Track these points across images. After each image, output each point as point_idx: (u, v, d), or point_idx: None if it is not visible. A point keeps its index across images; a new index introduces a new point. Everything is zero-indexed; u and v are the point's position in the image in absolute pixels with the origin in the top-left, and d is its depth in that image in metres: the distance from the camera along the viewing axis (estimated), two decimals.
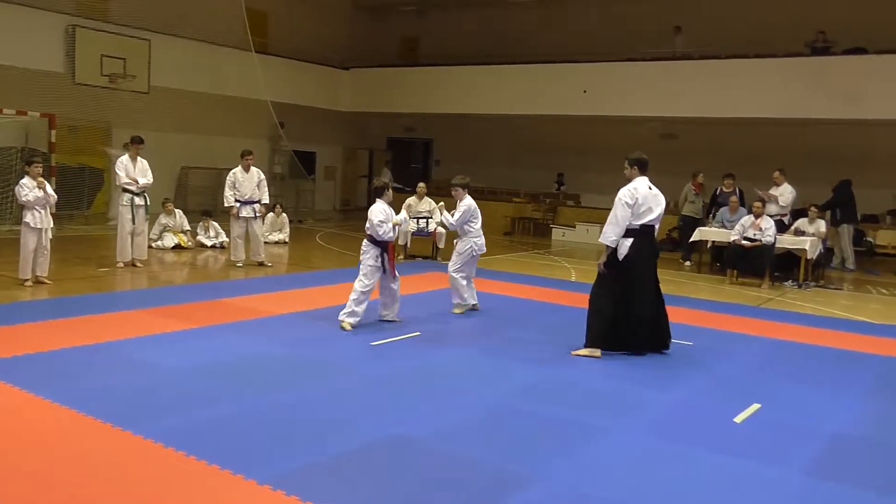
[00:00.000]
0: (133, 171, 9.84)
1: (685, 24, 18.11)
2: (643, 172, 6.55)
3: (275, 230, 13.61)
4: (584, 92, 17.63)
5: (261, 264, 10.74)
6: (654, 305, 6.58)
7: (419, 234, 12.44)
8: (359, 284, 7.09)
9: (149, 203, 10.06)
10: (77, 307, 7.28)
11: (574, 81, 17.86)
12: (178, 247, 12.08)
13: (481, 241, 8.27)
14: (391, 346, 6.42)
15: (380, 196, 7.40)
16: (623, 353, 6.48)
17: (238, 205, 10.56)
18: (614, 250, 6.43)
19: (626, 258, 6.41)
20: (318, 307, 7.94)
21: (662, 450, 4.34)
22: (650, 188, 6.51)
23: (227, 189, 10.64)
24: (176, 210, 12.54)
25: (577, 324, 7.84)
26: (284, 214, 14.04)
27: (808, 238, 11.77)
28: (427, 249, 12.63)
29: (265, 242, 11.35)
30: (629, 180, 6.52)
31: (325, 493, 3.53)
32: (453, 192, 8.54)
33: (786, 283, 11.72)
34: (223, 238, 12.45)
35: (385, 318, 7.40)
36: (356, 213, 22.68)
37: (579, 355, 6.42)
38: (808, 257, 11.63)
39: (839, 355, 7.08)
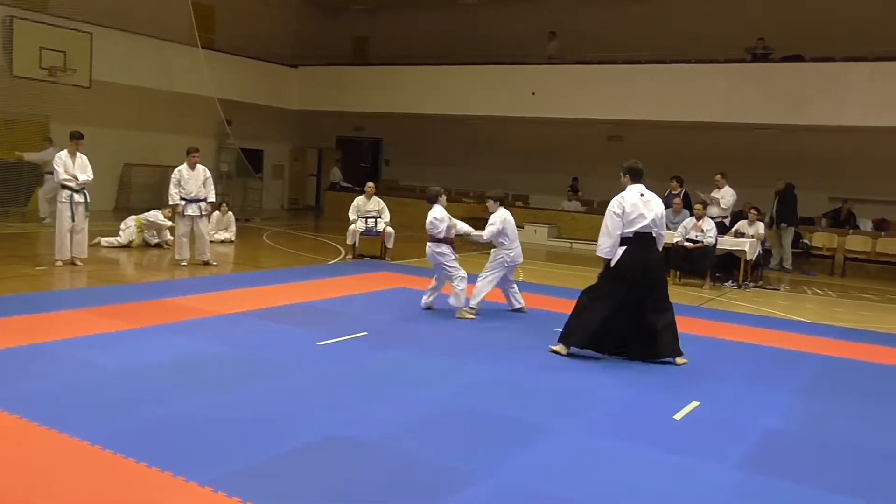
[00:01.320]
0: (72, 167, 9.61)
1: (630, 30, 18.46)
2: (636, 180, 6.59)
3: (220, 229, 13.42)
4: (533, 94, 17.82)
5: (206, 263, 10.59)
6: (649, 315, 6.44)
7: (368, 233, 12.41)
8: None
9: (89, 200, 9.83)
10: (14, 306, 7.08)
11: (523, 83, 18.04)
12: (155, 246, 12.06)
13: (514, 252, 8.37)
14: (338, 346, 6.40)
15: (434, 202, 8.23)
16: (592, 352, 6.54)
17: (183, 202, 10.41)
18: (610, 261, 6.46)
19: (618, 265, 6.41)
20: (264, 307, 7.86)
21: (605, 447, 4.43)
22: (642, 195, 6.50)
23: (171, 187, 10.47)
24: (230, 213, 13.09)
25: (523, 323, 7.99)
26: (231, 213, 13.86)
27: (748, 240, 12.10)
28: (376, 249, 12.61)
29: (211, 241, 11.19)
30: (624, 188, 6.58)
31: (267, 494, 3.52)
32: (487, 204, 8.63)
33: (726, 284, 12.04)
34: (168, 237, 12.25)
35: (429, 306, 8.26)
36: (304, 212, 22.54)
37: (552, 350, 6.61)
38: (748, 258, 11.97)
39: (775, 354, 7.30)
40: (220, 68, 18.41)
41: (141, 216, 12.15)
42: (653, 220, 6.44)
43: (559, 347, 6.58)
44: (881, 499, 3.94)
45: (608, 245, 6.45)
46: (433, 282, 8.39)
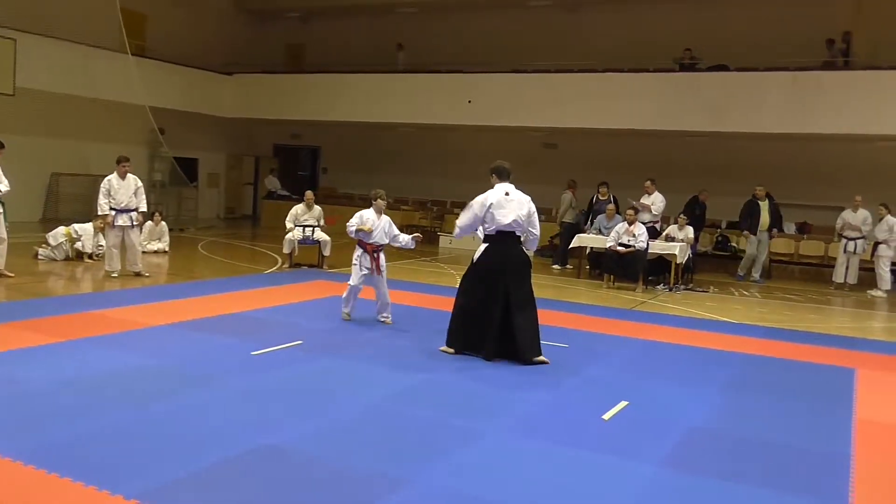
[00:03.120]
0: None
1: (563, 40, 18.82)
2: (502, 179, 6.76)
3: (153, 239, 13.16)
4: (469, 102, 17.99)
5: (138, 274, 10.38)
6: (508, 314, 6.50)
7: (305, 242, 12.34)
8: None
9: (4, 211, 9.56)
10: None
11: (459, 91, 18.19)
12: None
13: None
14: (272, 356, 6.37)
15: (370, 205, 8.10)
16: (472, 356, 6.63)
17: (113, 213, 10.20)
18: (472, 258, 6.74)
19: (478, 262, 6.67)
20: (197, 317, 7.76)
21: (534, 448, 4.52)
22: (507, 194, 6.65)
23: (101, 196, 10.23)
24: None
25: None
26: (164, 223, 13.60)
27: (678, 244, 12.46)
28: (313, 258, 12.54)
29: (143, 252, 10.97)
30: (492, 187, 6.78)
31: None
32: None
33: (658, 287, 12.37)
34: (103, 246, 11.96)
35: (379, 319, 8.02)
36: (241, 222, 22.24)
37: (442, 350, 6.80)
38: (678, 262, 12.33)
39: (703, 354, 7.55)
40: (151, 76, 18.07)
41: (70, 227, 11.83)
42: (515, 220, 6.57)
43: (446, 348, 6.80)
44: (793, 491, 4.11)
45: (456, 234, 6.97)
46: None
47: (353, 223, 7.95)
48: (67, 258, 11.55)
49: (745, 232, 14.10)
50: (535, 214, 6.83)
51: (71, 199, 17.46)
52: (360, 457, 4.23)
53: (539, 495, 3.85)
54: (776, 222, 14.05)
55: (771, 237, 14.10)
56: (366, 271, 7.91)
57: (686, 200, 14.65)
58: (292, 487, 3.79)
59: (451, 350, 6.74)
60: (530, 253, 6.98)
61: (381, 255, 8.02)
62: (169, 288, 9.97)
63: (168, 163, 19.38)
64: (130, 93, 17.25)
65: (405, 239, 8.17)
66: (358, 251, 7.99)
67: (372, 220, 7.96)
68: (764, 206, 13.85)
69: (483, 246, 6.66)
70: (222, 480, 3.83)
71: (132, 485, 3.63)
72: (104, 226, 10.78)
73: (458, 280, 12.18)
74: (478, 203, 6.67)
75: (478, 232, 7.11)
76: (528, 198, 6.82)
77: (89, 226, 11.85)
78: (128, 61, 17.20)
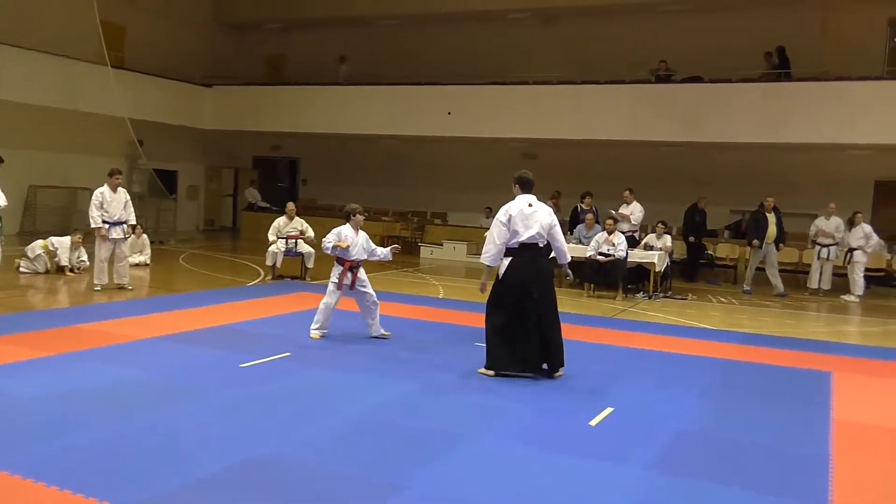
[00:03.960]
0: None
1: (542, 53, 19.04)
2: (525, 190, 6.61)
3: (135, 252, 13.11)
4: (449, 114, 18.14)
5: (121, 288, 10.38)
6: (538, 325, 6.39)
7: (288, 254, 12.38)
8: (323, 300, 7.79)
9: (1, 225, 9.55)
10: None
11: (439, 103, 18.35)
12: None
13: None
14: (261, 368, 6.42)
15: (348, 219, 7.90)
16: (516, 375, 6.42)
17: (106, 226, 10.21)
18: (497, 274, 6.48)
19: (505, 279, 6.44)
20: (184, 330, 7.78)
21: (525, 454, 4.62)
22: (530, 205, 6.50)
23: (94, 209, 10.24)
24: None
25: (444, 339, 8.16)
26: (145, 235, 13.58)
27: (657, 252, 12.66)
28: (296, 269, 12.58)
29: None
30: (514, 198, 6.61)
31: None
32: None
33: (637, 295, 12.55)
34: (84, 260, 11.96)
35: (374, 335, 7.89)
36: (221, 234, 22.19)
37: (480, 373, 6.54)
38: (657, 270, 12.52)
39: (683, 360, 7.70)
40: (130, 88, 18.04)
41: (48, 240, 11.78)
42: (538, 232, 6.45)
43: (485, 371, 6.55)
44: (776, 491, 4.25)
45: (493, 252, 6.49)
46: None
47: (330, 240, 7.76)
48: (47, 271, 11.50)
49: (755, 242, 13.53)
50: (558, 226, 6.68)
51: (49, 211, 17.35)
52: (355, 464, 4.31)
53: (532, 500, 3.95)
54: (782, 235, 13.64)
55: (778, 250, 13.66)
56: (343, 290, 7.74)
57: (664, 209, 14.89)
58: (288, 496, 3.86)
59: (491, 372, 6.49)
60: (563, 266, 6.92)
61: (361, 271, 7.86)
62: (153, 301, 9.97)
63: (147, 175, 19.32)
64: (109, 104, 17.20)
65: (383, 252, 8.07)
66: (337, 269, 7.79)
67: (350, 237, 7.78)
68: (772, 217, 13.51)
69: (507, 260, 6.45)
70: (217, 490, 3.89)
71: (126, 495, 3.69)
72: (81, 240, 10.75)
73: (440, 290, 12.33)
74: (501, 214, 6.48)
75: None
76: (550, 209, 6.70)
77: (66, 239, 11.82)
78: (107, 73, 17.15)
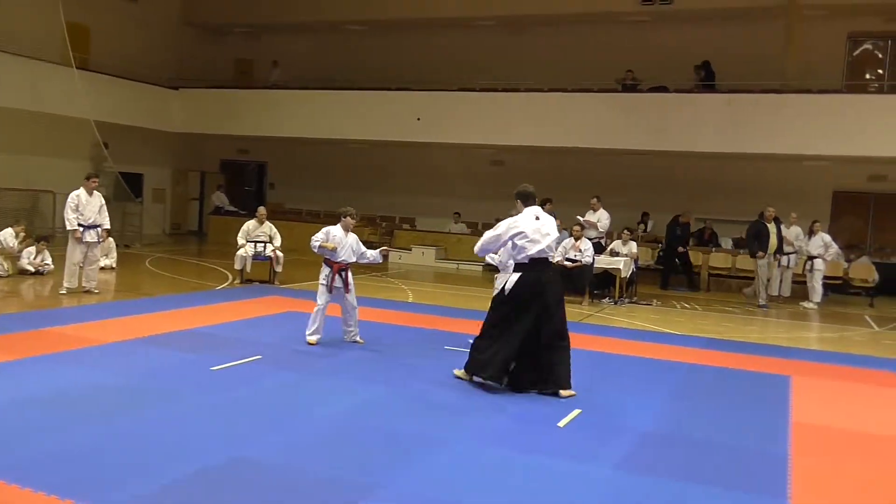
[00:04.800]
0: None
1: (510, 60, 19.23)
2: (528, 203, 6.42)
3: (101, 255, 12.92)
4: (418, 119, 18.23)
5: (87, 291, 10.30)
6: (537, 345, 6.19)
7: (257, 258, 12.35)
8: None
9: None
10: None
11: (408, 108, 18.43)
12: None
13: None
14: (232, 371, 6.43)
15: (339, 221, 7.88)
16: (496, 385, 6.29)
17: (81, 229, 10.17)
18: (503, 287, 6.32)
19: (511, 293, 6.22)
20: (154, 333, 7.75)
21: (496, 455, 4.72)
22: (537, 218, 6.31)
23: (69, 212, 10.22)
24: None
25: (413, 342, 8.23)
26: (111, 238, 13.41)
27: (622, 258, 12.88)
28: (264, 273, 12.56)
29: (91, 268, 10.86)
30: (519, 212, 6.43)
31: None
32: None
33: (603, 301, 12.75)
34: (48, 264, 11.82)
35: (347, 339, 7.82)
36: (188, 237, 22.00)
37: (456, 375, 6.53)
38: (623, 276, 12.74)
39: (648, 363, 7.88)
40: (96, 89, 17.79)
41: None
42: (549, 245, 6.30)
43: (461, 372, 6.52)
44: (738, 489, 4.40)
45: (479, 246, 6.57)
46: None
47: (318, 238, 7.72)
48: (9, 274, 11.35)
49: (759, 254, 13.08)
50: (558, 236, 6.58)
51: (11, 214, 17.01)
52: (328, 466, 4.37)
53: (502, 500, 4.05)
54: (781, 247, 13.44)
55: (779, 263, 13.58)
56: (334, 291, 7.70)
57: (630, 216, 15.14)
58: (264, 498, 3.91)
59: (468, 377, 6.42)
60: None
61: (349, 274, 7.83)
62: (121, 304, 9.88)
63: (112, 178, 19.05)
64: (74, 106, 16.96)
65: (373, 254, 8.01)
66: (325, 270, 7.74)
67: (339, 238, 7.73)
68: (772, 228, 13.20)
69: (516, 275, 6.24)
70: (195, 492, 3.92)
71: (104, 497, 3.71)
72: (23, 229, 10.66)
73: (410, 295, 12.38)
74: (504, 225, 6.36)
75: (490, 257, 7.10)
76: (553, 220, 6.58)
77: (7, 230, 11.68)
78: (72, 74, 16.93)
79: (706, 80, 17.22)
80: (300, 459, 4.45)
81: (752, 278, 15.54)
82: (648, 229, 17.98)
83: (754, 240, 13.27)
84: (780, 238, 13.36)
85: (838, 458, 5.13)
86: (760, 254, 13.10)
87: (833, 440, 5.54)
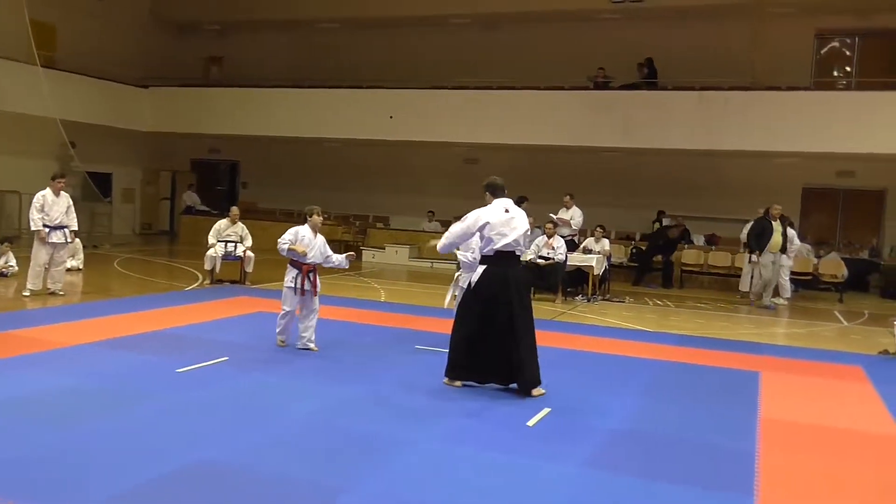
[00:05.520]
0: None
1: (482, 58, 19.18)
2: (497, 195, 6.31)
3: (67, 256, 12.72)
4: (391, 118, 18.15)
5: (52, 293, 10.11)
6: (507, 340, 6.05)
7: (227, 258, 12.20)
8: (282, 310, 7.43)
9: None
10: None
11: (381, 106, 18.35)
12: None
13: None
14: (198, 373, 6.33)
15: (306, 221, 7.53)
16: (477, 385, 6.21)
17: (46, 230, 9.98)
18: (470, 281, 6.24)
19: (478, 288, 6.12)
20: (118, 336, 7.61)
21: (464, 455, 4.68)
22: (507, 210, 6.19)
23: (34, 212, 10.03)
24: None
25: (383, 343, 8.15)
26: (78, 239, 13.18)
27: (595, 256, 12.91)
28: (235, 274, 12.41)
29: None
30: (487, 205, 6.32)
31: None
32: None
33: (576, 298, 12.77)
34: (12, 266, 11.59)
35: (300, 346, 7.41)
36: (158, 238, 21.73)
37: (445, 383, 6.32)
38: (595, 273, 12.76)
39: (619, 361, 7.88)
40: (62, 88, 17.50)
41: None
42: (515, 239, 6.16)
43: (447, 381, 6.32)
44: (705, 485, 4.40)
45: (444, 243, 6.47)
46: None
47: (286, 240, 7.34)
48: None
49: (756, 253, 12.87)
50: (528, 233, 6.48)
51: None
52: (298, 468, 4.31)
53: (470, 500, 4.01)
54: (786, 245, 13.03)
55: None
56: (299, 295, 7.34)
57: (601, 213, 15.18)
58: (229, 501, 3.83)
59: (458, 383, 6.25)
60: None
61: (317, 276, 7.53)
62: (86, 306, 9.70)
63: (80, 177, 18.76)
64: (39, 105, 16.67)
65: (339, 259, 7.62)
66: (292, 272, 7.38)
67: (308, 239, 7.39)
68: (777, 226, 12.83)
69: (481, 268, 6.15)
70: (160, 496, 3.84)
71: (67, 502, 3.61)
72: (7, 247, 10.46)
73: (382, 294, 12.31)
74: (472, 216, 6.22)
75: (462, 255, 7.00)
76: (524, 213, 6.40)
77: None
78: (36, 73, 16.63)
79: (649, 77, 17.43)
80: (265, 462, 4.37)
81: (724, 275, 15.60)
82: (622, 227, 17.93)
83: (756, 238, 12.92)
84: (785, 237, 12.96)
85: (806, 454, 5.14)
86: (757, 253, 12.80)
87: (801, 436, 5.57)
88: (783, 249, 12.97)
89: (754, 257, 13.04)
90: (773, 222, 12.89)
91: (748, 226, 14.39)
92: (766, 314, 12.43)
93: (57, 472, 4.05)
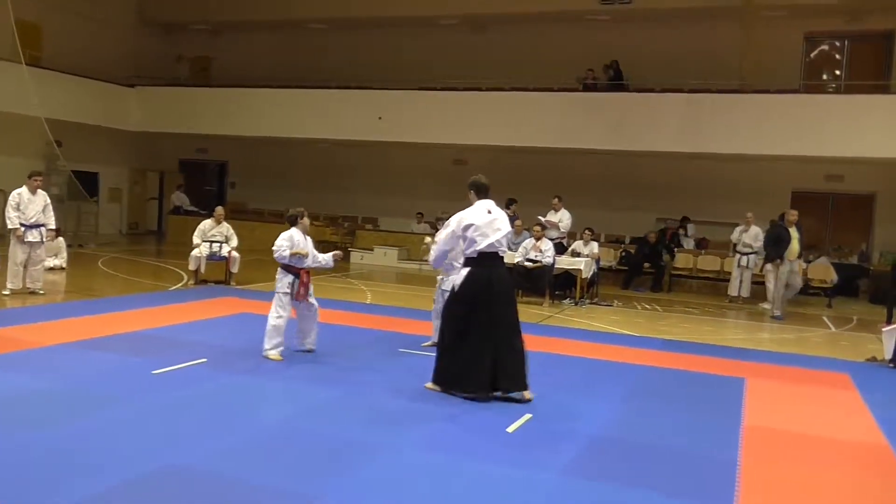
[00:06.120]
0: None
1: (479, 59, 19.14)
2: (481, 195, 6.24)
3: (49, 255, 12.58)
4: (380, 118, 18.06)
5: (33, 292, 9.99)
6: (495, 344, 5.93)
7: (212, 258, 12.09)
8: (271, 317, 7.02)
9: None
10: None
11: (370, 107, 18.26)
12: None
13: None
14: (174, 375, 6.22)
15: (293, 224, 7.22)
16: (462, 396, 5.99)
17: (23, 228, 9.85)
18: (454, 284, 6.15)
19: (461, 291, 6.03)
20: (96, 336, 7.50)
21: (440, 462, 4.59)
22: (489, 212, 6.12)
23: (10, 210, 9.93)
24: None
25: (368, 345, 8.07)
26: (61, 238, 13.05)
27: (584, 259, 12.84)
28: (220, 274, 12.29)
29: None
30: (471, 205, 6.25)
31: None
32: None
33: (564, 301, 12.69)
34: None
35: (302, 349, 7.30)
36: (145, 237, 21.58)
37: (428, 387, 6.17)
38: (584, 276, 12.69)
39: (604, 366, 7.81)
40: (48, 87, 17.34)
41: None
42: (498, 240, 6.08)
43: (433, 385, 6.19)
44: (684, 494, 4.32)
45: (434, 256, 6.54)
46: None
47: (285, 247, 7.02)
48: None
49: (777, 261, 12.24)
50: (510, 235, 6.37)
51: None
52: (270, 474, 4.21)
53: None
54: (802, 253, 12.64)
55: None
56: (300, 299, 7.14)
57: (590, 216, 15.12)
58: None
59: (439, 388, 6.11)
60: None
61: (310, 277, 7.36)
62: (66, 306, 9.58)
63: (66, 177, 18.62)
64: (25, 103, 16.51)
65: (325, 258, 7.47)
66: (287, 278, 7.11)
67: (302, 242, 7.16)
68: (793, 232, 12.36)
69: (464, 271, 6.07)
70: (127, 501, 3.75)
71: None
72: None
73: (368, 296, 12.22)
74: (454, 220, 6.18)
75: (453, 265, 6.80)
76: (505, 214, 6.35)
77: None
78: (21, 71, 16.46)
79: (615, 79, 17.49)
80: (237, 467, 4.28)
81: (713, 279, 15.53)
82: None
83: (773, 245, 12.38)
84: (802, 243, 12.57)
85: (788, 463, 5.07)
86: (777, 261, 12.24)
87: (784, 444, 5.48)
88: (800, 256, 12.66)
89: (769, 266, 12.62)
90: (789, 229, 12.42)
91: (737, 229, 14.39)
92: (762, 319, 12.39)
93: (28, 473, 3.97)
